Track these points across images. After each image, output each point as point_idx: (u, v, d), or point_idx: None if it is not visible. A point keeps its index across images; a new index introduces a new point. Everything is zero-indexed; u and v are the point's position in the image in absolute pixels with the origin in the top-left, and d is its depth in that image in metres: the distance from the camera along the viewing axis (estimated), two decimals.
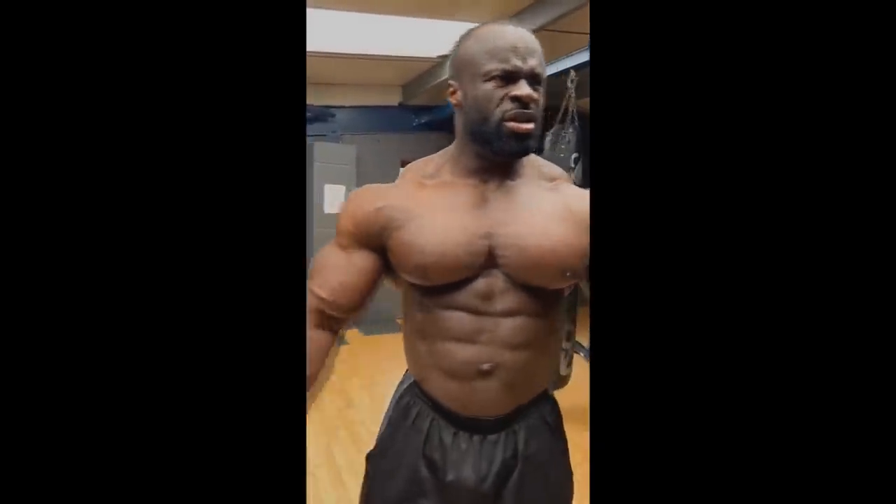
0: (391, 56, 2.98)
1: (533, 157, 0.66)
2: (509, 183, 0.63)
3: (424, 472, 0.65)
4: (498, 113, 0.58)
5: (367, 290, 0.67)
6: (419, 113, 3.89)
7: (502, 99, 0.58)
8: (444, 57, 2.97)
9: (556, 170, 0.69)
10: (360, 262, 0.65)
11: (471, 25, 0.63)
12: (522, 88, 0.57)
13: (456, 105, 0.63)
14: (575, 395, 1.49)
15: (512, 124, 0.58)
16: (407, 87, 3.76)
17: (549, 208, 0.62)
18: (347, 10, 2.24)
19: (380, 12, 2.29)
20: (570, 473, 0.72)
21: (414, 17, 2.33)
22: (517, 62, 0.57)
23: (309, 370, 0.65)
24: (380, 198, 0.65)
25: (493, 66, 0.58)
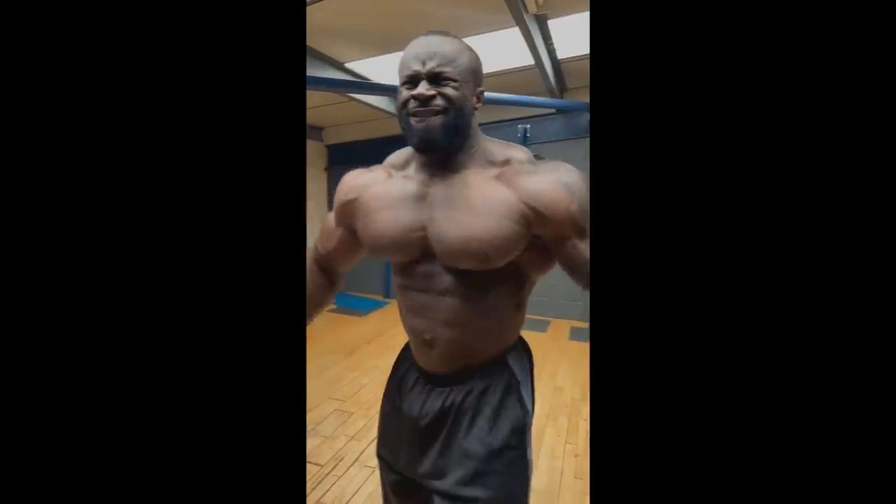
0: None
1: (486, 142, 0.73)
2: (453, 176, 0.71)
3: (397, 401, 0.85)
4: (404, 111, 0.68)
5: (346, 257, 0.88)
6: None
7: (408, 99, 0.67)
8: None
9: (506, 153, 0.72)
10: (340, 235, 0.86)
11: None
12: (419, 88, 0.66)
13: None
14: None
15: (412, 119, 0.67)
16: None
17: (476, 202, 0.68)
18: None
19: None
20: (505, 426, 0.77)
21: None
22: (416, 67, 0.67)
23: (308, 298, 0.87)
24: (354, 189, 0.80)
25: (403, 74, 0.68)
